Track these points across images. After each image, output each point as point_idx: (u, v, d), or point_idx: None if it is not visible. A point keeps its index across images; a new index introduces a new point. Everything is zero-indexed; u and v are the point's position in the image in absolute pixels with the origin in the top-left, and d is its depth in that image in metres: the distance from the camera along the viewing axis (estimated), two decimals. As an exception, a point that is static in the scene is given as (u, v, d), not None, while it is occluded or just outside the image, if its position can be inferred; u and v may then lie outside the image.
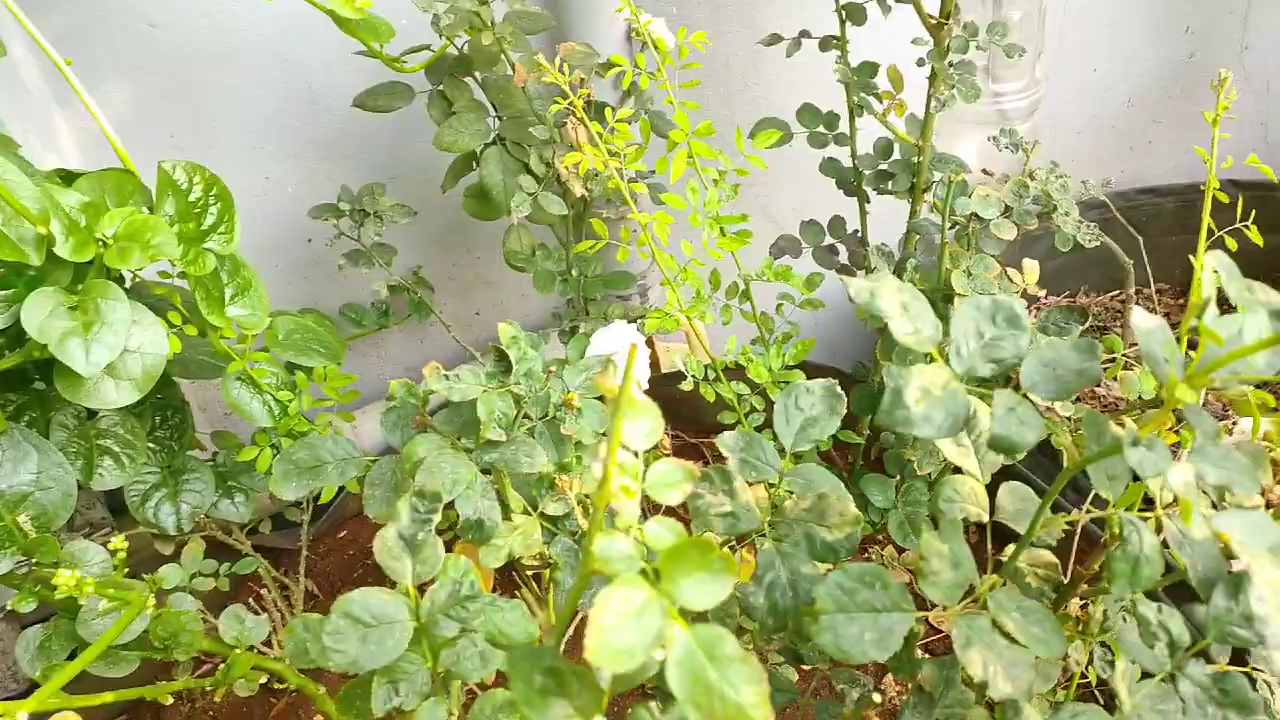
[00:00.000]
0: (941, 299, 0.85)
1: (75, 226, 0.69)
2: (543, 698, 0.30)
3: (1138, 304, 1.50)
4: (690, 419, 1.33)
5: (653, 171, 1.02)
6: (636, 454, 0.34)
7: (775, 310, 0.95)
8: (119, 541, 0.71)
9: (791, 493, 0.52)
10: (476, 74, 1.00)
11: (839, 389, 0.54)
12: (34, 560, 0.77)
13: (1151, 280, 1.42)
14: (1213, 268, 0.38)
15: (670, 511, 0.72)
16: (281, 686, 1.12)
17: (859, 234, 1.03)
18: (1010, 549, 0.51)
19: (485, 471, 0.53)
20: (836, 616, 0.41)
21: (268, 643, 1.06)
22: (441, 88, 1.00)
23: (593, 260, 1.02)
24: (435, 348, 1.45)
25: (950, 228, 0.85)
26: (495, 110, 1.00)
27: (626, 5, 0.80)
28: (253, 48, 1.12)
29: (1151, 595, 0.54)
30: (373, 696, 0.41)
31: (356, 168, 1.23)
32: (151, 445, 0.97)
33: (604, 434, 0.33)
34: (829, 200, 1.06)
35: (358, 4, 0.83)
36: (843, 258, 1.03)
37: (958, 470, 0.51)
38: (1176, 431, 0.93)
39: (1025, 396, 0.41)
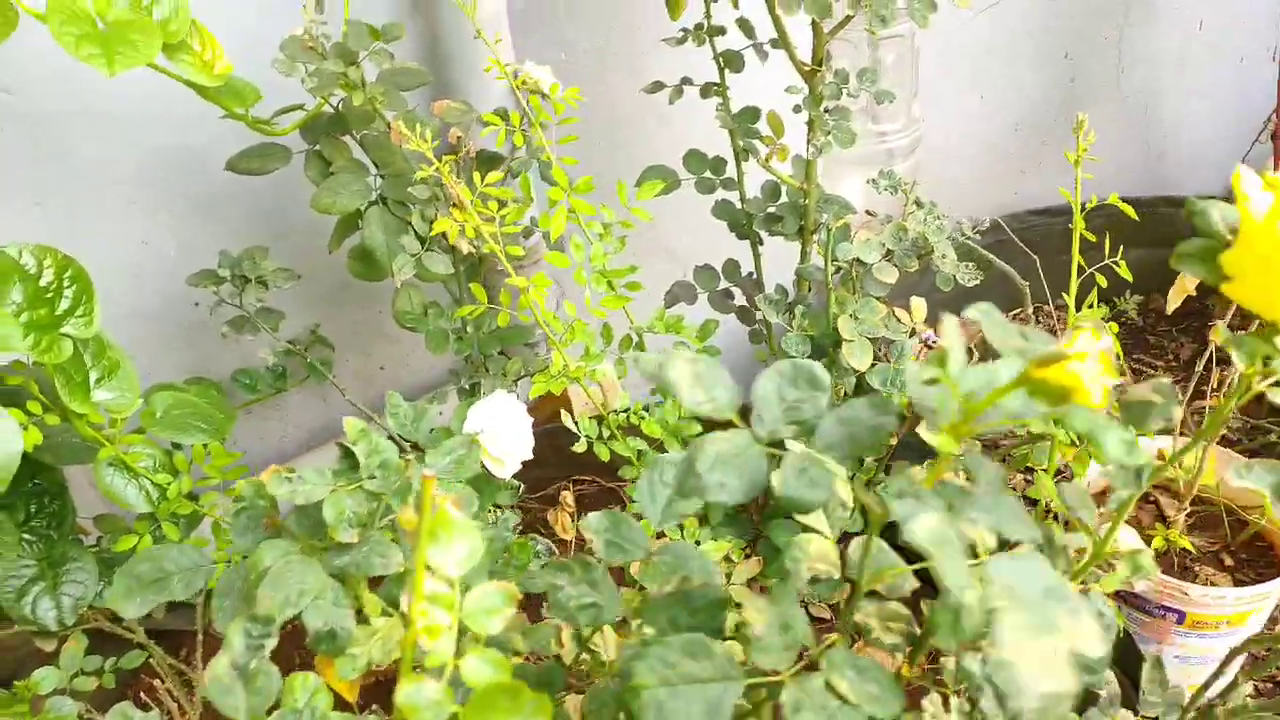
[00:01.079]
0: (831, 344, 0.85)
1: (-95, 325, 0.65)
2: None
3: (1037, 322, 1.53)
4: (603, 464, 1.31)
5: (533, 228, 1.00)
6: (452, 582, 0.32)
7: (672, 359, 0.94)
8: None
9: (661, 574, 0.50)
10: (354, 132, 0.98)
11: (706, 462, 0.53)
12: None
13: (1050, 298, 1.45)
14: (976, 315, 0.39)
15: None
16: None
17: (754, 276, 1.03)
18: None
19: (338, 577, 0.50)
20: (659, 691, 0.40)
21: (162, 736, 1.00)
22: (318, 148, 0.97)
23: (487, 317, 1.00)
24: (339, 406, 1.40)
25: (835, 272, 0.85)
26: (377, 169, 0.98)
27: (495, 64, 0.79)
28: (123, 108, 1.07)
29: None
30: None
31: (241, 228, 1.19)
32: (27, 536, 0.92)
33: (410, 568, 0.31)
34: (731, 238, 1.05)
35: (216, 71, 0.80)
36: (740, 300, 1.03)
37: (806, 528, 0.51)
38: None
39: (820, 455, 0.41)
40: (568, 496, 0.91)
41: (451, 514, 0.33)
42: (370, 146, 0.98)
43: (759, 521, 1.00)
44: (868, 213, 0.94)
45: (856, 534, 0.53)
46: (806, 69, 0.84)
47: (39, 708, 0.86)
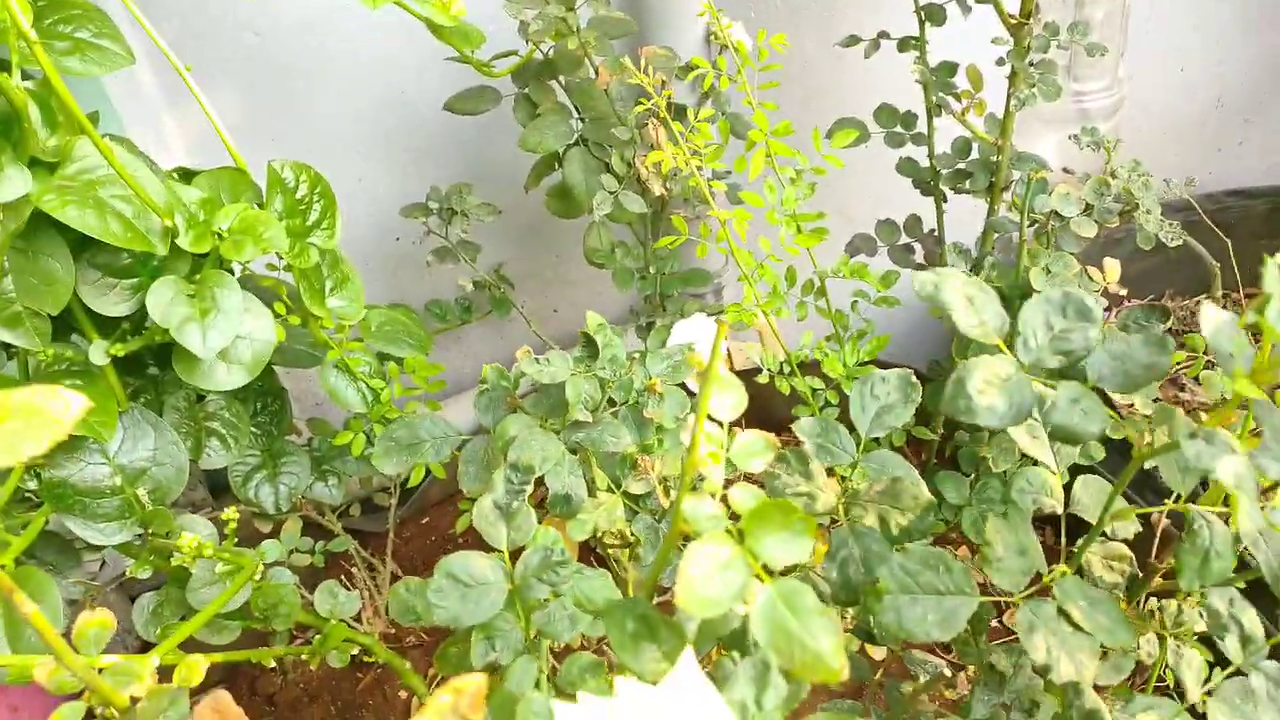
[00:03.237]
0: (1019, 297, 0.85)
1: (195, 220, 0.75)
2: (634, 642, 0.33)
3: (1225, 308, 1.46)
4: (760, 414, 1.34)
5: (729, 172, 1.04)
6: (722, 425, 0.37)
7: (850, 307, 0.97)
8: (231, 512, 0.76)
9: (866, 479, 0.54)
10: (560, 78, 1.04)
11: (914, 379, 0.56)
12: (150, 530, 0.82)
13: (1240, 284, 1.38)
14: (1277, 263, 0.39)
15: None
16: (370, 660, 1.18)
17: (935, 233, 1.03)
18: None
19: (572, 450, 0.56)
20: (900, 597, 0.43)
21: (357, 619, 1.11)
22: (527, 91, 1.04)
23: (670, 258, 1.05)
24: (514, 343, 1.49)
25: (1029, 225, 0.85)
26: (578, 112, 1.04)
27: (708, 9, 0.83)
28: (349, 55, 1.18)
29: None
30: (472, 651, 0.44)
31: (443, 169, 1.29)
32: (253, 429, 1.03)
33: (690, 411, 0.36)
34: (905, 199, 1.07)
35: (452, 12, 0.87)
36: (918, 256, 1.04)
37: (1033, 462, 0.53)
38: None
39: (1093, 389, 0.42)
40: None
41: (723, 373, 0.38)
42: (574, 91, 1.04)
43: (924, 471, 1.01)
44: (1065, 170, 0.93)
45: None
46: (1014, 21, 0.85)
47: (263, 575, 0.97)
